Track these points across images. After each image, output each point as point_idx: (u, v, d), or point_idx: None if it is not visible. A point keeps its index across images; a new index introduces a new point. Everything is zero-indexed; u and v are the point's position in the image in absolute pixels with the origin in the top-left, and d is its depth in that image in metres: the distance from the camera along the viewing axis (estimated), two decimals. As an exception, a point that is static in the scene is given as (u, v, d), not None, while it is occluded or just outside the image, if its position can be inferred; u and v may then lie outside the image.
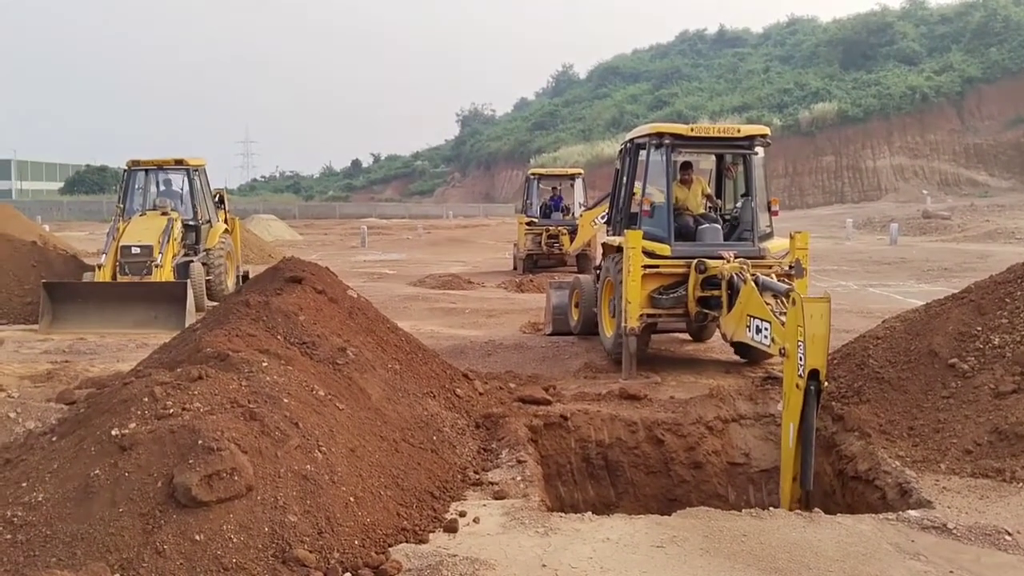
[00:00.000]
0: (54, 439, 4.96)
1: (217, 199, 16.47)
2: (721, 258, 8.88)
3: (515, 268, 23.16)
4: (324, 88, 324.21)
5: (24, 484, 4.41)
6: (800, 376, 6.00)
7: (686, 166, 10.28)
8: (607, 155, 59.43)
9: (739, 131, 9.62)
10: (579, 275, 14.29)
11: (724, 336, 8.61)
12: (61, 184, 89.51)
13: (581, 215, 20.80)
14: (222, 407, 4.71)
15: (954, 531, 5.05)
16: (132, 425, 4.48)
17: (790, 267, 8.91)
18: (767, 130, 9.80)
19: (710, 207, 10.31)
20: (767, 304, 7.08)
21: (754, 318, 7.32)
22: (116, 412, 4.66)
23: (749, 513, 5.33)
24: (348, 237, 40.23)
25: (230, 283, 15.59)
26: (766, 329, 7.00)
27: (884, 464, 6.26)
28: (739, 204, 10.12)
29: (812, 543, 4.86)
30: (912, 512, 5.38)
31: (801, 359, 5.99)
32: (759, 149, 9.66)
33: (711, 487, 7.29)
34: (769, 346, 6.94)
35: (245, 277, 15.26)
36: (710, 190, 10.47)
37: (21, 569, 3.93)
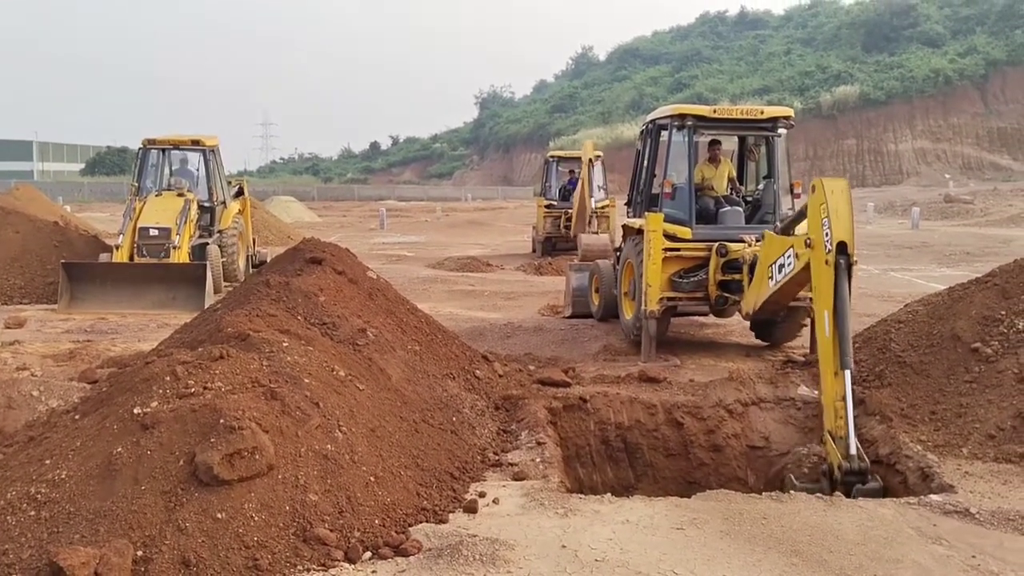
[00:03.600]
0: (77, 417, 5.00)
1: (238, 189, 16.49)
2: (742, 241, 8.82)
3: (534, 251, 23.11)
4: (343, 70, 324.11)
5: (47, 461, 4.44)
6: (828, 252, 6.11)
7: (715, 144, 10.18)
8: (626, 138, 59.16)
9: (762, 113, 9.53)
10: (598, 259, 14.24)
11: (745, 314, 8.55)
12: (82, 165, 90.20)
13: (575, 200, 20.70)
14: (243, 386, 4.72)
15: (976, 516, 5.01)
16: (154, 404, 4.50)
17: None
18: (790, 112, 9.69)
19: (732, 190, 10.23)
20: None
21: (775, 262, 7.40)
22: (138, 391, 4.68)
23: (769, 496, 5.31)
24: (367, 219, 40.29)
25: (241, 264, 15.62)
26: (789, 253, 7.10)
27: (906, 448, 6.23)
28: (761, 186, 10.04)
29: (833, 526, 4.83)
30: (934, 496, 5.35)
31: (827, 235, 6.10)
32: (782, 131, 9.56)
33: (730, 470, 7.26)
34: (795, 265, 6.96)
35: (262, 263, 15.32)
36: (734, 172, 10.38)
37: (45, 545, 3.96)
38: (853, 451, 5.67)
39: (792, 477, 6.01)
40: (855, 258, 6.23)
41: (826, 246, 6.20)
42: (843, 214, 6.20)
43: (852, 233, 6.19)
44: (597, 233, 20.23)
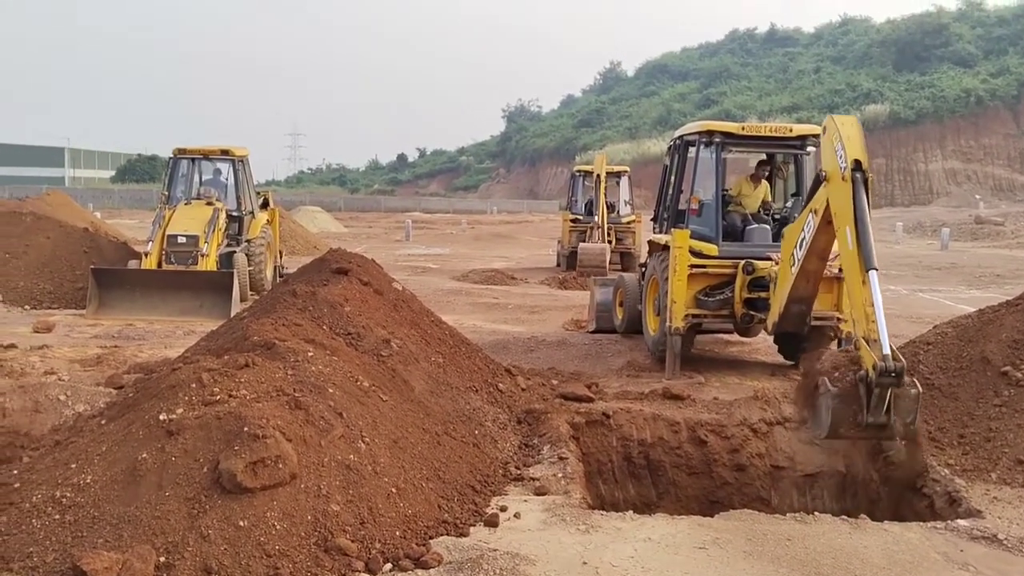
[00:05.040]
0: (103, 422, 5.04)
1: (263, 201, 16.64)
2: (769, 259, 8.76)
3: (558, 264, 23.10)
4: (372, 82, 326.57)
5: (73, 465, 4.49)
6: (844, 170, 6.28)
7: (763, 164, 10.15)
8: (653, 153, 59.01)
9: (791, 130, 9.48)
10: (623, 273, 14.21)
11: (770, 326, 8.50)
12: (113, 172, 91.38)
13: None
14: (268, 395, 4.74)
15: (1005, 542, 4.94)
16: (179, 410, 4.54)
17: (840, 270, 8.74)
18: (820, 130, 9.62)
19: (762, 209, 10.17)
20: None
21: (796, 243, 7.53)
22: (164, 397, 4.72)
23: (794, 517, 5.25)
24: (392, 230, 40.47)
25: (269, 274, 15.75)
26: (808, 219, 7.25)
27: (933, 472, 6.14)
28: (789, 204, 9.98)
29: (858, 549, 4.77)
30: (961, 521, 5.28)
31: (841, 156, 6.25)
32: (811, 149, 9.51)
33: (754, 490, 7.18)
34: (815, 222, 7.06)
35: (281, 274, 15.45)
36: (771, 196, 10.31)
37: (69, 549, 4.00)
38: (887, 351, 5.54)
39: (827, 381, 5.85)
40: (870, 174, 6.36)
41: (841, 166, 6.38)
42: (855, 139, 6.45)
43: (865, 154, 6.37)
44: (598, 242, 20.23)
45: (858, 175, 6.26)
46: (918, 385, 5.62)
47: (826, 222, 6.90)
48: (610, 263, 22.15)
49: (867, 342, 5.70)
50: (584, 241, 21.30)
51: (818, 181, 7.13)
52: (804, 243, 7.39)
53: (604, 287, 12.13)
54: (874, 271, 5.93)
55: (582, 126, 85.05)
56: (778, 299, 8.16)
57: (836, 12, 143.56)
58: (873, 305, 5.78)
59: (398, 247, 30.28)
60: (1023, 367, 6.71)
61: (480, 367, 7.59)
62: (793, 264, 7.68)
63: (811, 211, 7.22)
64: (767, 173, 10.22)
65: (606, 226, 21.07)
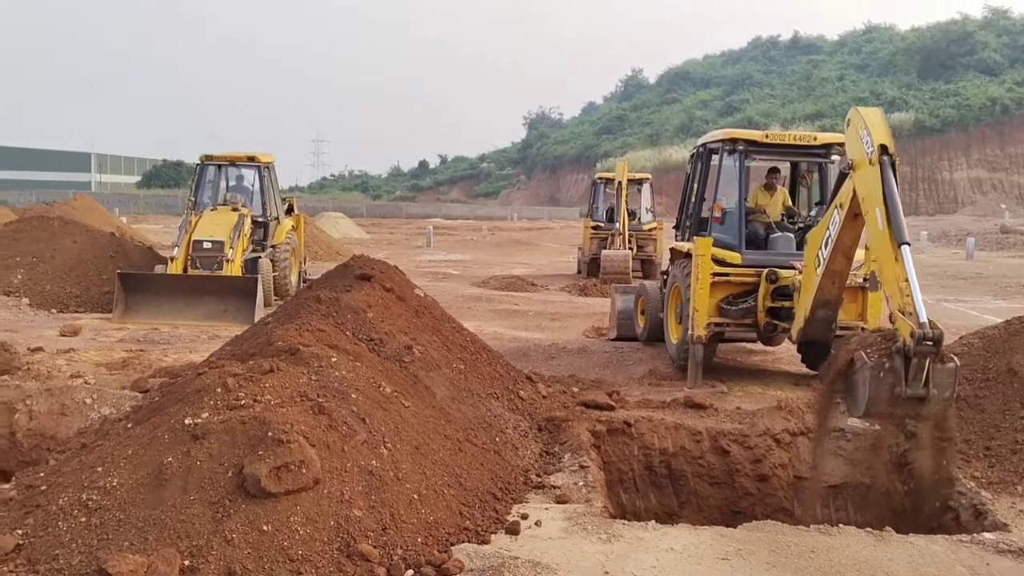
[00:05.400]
0: (129, 426, 5.09)
1: (287, 207, 16.76)
2: (793, 268, 8.71)
3: (579, 271, 23.08)
4: (394, 89, 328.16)
5: (99, 469, 4.52)
6: (871, 154, 6.36)
7: (773, 171, 10.11)
8: (675, 161, 58.93)
9: (815, 139, 9.44)
10: (644, 281, 14.17)
11: (795, 333, 8.40)
12: (138, 178, 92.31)
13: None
14: (292, 400, 4.77)
15: (1031, 556, 4.87)
16: (205, 415, 4.57)
17: (864, 279, 8.67)
18: (844, 139, 9.56)
19: (785, 215, 10.12)
20: None
21: (821, 244, 7.53)
22: (190, 401, 4.75)
23: (818, 529, 5.20)
24: (414, 236, 40.60)
25: (293, 280, 15.85)
26: (834, 216, 7.27)
27: (959, 484, 6.07)
28: (813, 212, 9.92)
29: (883, 562, 4.72)
30: (987, 535, 5.22)
31: (868, 142, 6.41)
32: (835, 157, 9.44)
33: (776, 501, 7.13)
34: (840, 216, 7.08)
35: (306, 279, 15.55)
36: (790, 202, 10.28)
37: (94, 551, 4.03)
38: (924, 320, 5.47)
39: (864, 354, 5.78)
40: (897, 159, 6.39)
41: (868, 151, 6.42)
42: (880, 125, 6.49)
43: (891, 139, 6.41)
44: (620, 249, 20.21)
45: (885, 158, 6.30)
46: (956, 360, 5.55)
47: (852, 215, 6.91)
48: (632, 270, 22.14)
49: (902, 314, 5.65)
50: (605, 248, 21.26)
51: (842, 178, 7.17)
52: (830, 241, 7.36)
53: (625, 295, 12.10)
54: (906, 245, 5.90)
55: (603, 133, 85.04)
56: (803, 305, 8.10)
57: (860, 20, 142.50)
58: (907, 279, 5.75)
59: (419, 253, 30.37)
60: (1051, 379, 6.63)
61: (501, 374, 7.59)
62: (818, 266, 7.63)
63: (836, 207, 7.22)
64: (779, 180, 10.18)
65: (627, 233, 21.05)
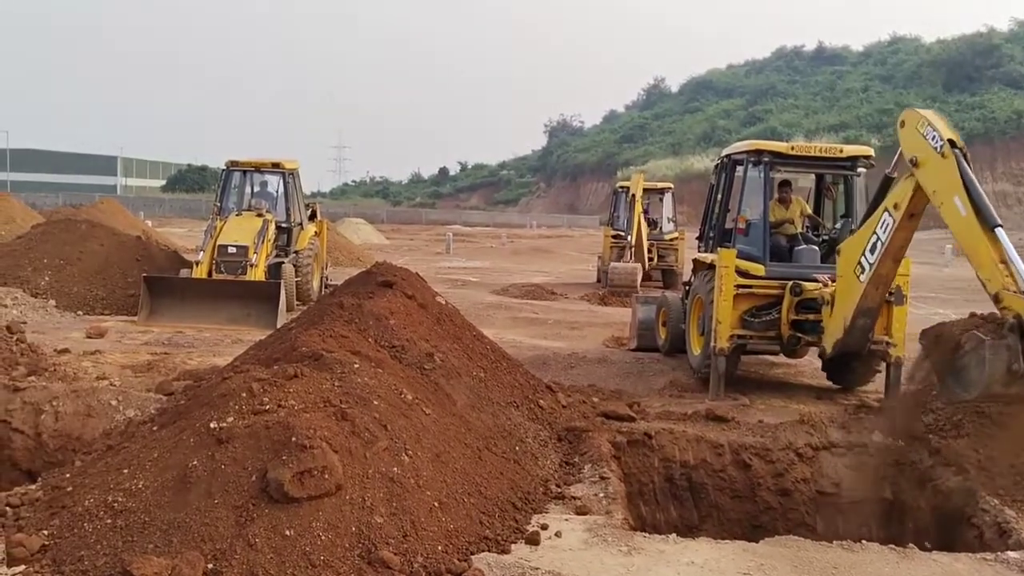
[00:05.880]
0: (155, 428, 5.14)
1: (310, 213, 16.86)
2: (816, 281, 8.66)
3: (598, 280, 23.03)
4: (415, 96, 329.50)
5: (125, 471, 4.57)
6: (941, 147, 6.50)
7: (784, 185, 10.06)
8: (696, 170, 58.74)
9: (841, 151, 9.39)
10: (666, 292, 14.12)
11: (830, 347, 8.32)
12: (163, 182, 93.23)
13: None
14: (315, 406, 4.80)
15: (1056, 577, 4.80)
16: (230, 419, 4.60)
17: (890, 294, 8.60)
18: (871, 151, 9.53)
19: (809, 226, 10.07)
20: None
21: (863, 251, 7.53)
22: (215, 405, 4.79)
23: (840, 545, 5.16)
24: (433, 243, 40.72)
25: (315, 285, 15.95)
26: (884, 219, 7.29)
27: (983, 501, 6.03)
28: (838, 225, 9.86)
29: (906, 580, 4.68)
30: (1012, 553, 5.16)
31: (934, 137, 6.56)
32: (861, 170, 9.40)
33: (798, 516, 7.09)
34: (895, 218, 7.14)
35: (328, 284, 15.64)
36: (810, 210, 10.23)
37: (119, 553, 4.07)
38: None
39: (978, 333, 5.84)
40: (967, 151, 6.55)
41: (936, 146, 6.56)
42: (942, 122, 6.68)
43: (957, 134, 6.59)
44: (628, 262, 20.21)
45: (956, 151, 6.44)
46: None
47: (908, 216, 7.03)
48: (652, 280, 22.08)
49: (1009, 292, 5.73)
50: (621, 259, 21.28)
51: (887, 182, 7.34)
52: (880, 246, 7.36)
53: (646, 305, 12.06)
54: (999, 228, 6.05)
55: (624, 141, 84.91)
56: (841, 316, 8.02)
57: (885, 31, 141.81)
58: (1006, 260, 5.89)
59: (439, 260, 30.44)
60: (1076, 396, 6.55)
61: (521, 383, 7.59)
62: (861, 273, 7.61)
63: (886, 209, 7.27)
64: (792, 192, 10.15)
65: (646, 244, 21.00)
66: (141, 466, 4.54)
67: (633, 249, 20.54)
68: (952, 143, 6.49)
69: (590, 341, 12.88)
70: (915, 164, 6.82)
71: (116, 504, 4.34)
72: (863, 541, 5.37)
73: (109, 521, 4.27)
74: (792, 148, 9.53)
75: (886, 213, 7.27)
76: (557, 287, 21.01)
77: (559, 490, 5.84)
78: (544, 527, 5.09)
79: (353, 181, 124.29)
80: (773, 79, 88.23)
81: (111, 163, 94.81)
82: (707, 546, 5.07)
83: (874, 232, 7.41)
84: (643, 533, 5.37)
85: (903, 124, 7.06)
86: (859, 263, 7.64)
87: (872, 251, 7.43)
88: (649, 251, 21.52)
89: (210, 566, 3.95)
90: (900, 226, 7.14)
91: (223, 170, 16.28)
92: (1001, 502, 5.95)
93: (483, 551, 4.66)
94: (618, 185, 25.74)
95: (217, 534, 4.08)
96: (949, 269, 29.89)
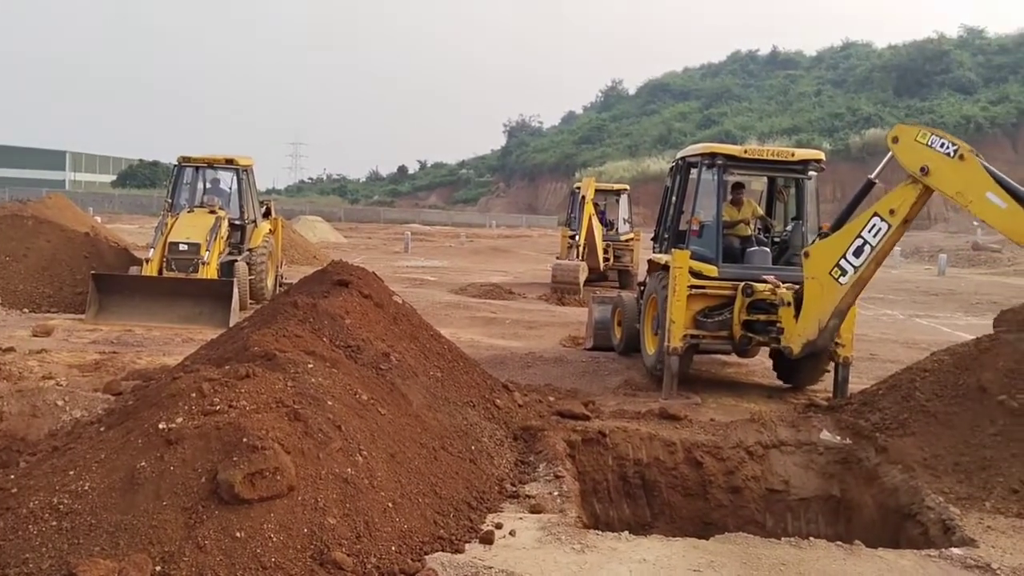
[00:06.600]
0: (102, 429, 5.04)
1: (265, 210, 16.67)
2: (766, 282, 8.80)
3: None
4: (374, 94, 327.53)
5: (71, 472, 4.48)
6: (957, 153, 6.87)
7: (737, 187, 10.21)
8: (653, 171, 59.19)
9: (793, 155, 9.54)
10: (622, 292, 14.23)
11: (798, 348, 8.40)
12: (113, 177, 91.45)
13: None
14: (268, 406, 4.75)
15: (998, 572, 4.95)
16: (179, 420, 4.54)
17: None
18: (821, 155, 9.70)
19: (761, 228, 10.22)
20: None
21: (844, 254, 7.72)
22: (164, 406, 4.73)
23: (788, 542, 5.25)
24: (391, 242, 40.51)
25: (270, 283, 15.78)
26: (872, 224, 7.54)
27: (928, 499, 6.16)
28: (789, 227, 10.02)
29: (852, 575, 4.78)
30: (955, 550, 5.28)
31: (945, 144, 6.93)
32: (812, 173, 9.56)
33: (748, 513, 7.20)
34: (888, 225, 7.42)
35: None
36: (761, 211, 10.39)
37: (65, 556, 3.99)
38: None
39: None
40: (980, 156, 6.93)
41: (948, 152, 6.92)
42: (945, 134, 7.05)
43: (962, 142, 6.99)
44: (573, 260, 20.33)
45: (971, 154, 6.82)
46: None
47: (904, 222, 7.35)
48: (608, 281, 22.20)
49: None
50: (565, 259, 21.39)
51: (868, 187, 7.75)
52: (868, 249, 7.58)
53: (602, 305, 12.15)
54: None
55: (583, 143, 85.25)
56: (814, 317, 8.14)
57: (838, 36, 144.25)
58: None
59: (397, 259, 30.30)
60: (1019, 396, 6.73)
61: (478, 382, 7.60)
62: (842, 275, 7.78)
63: (877, 214, 7.51)
64: (745, 194, 10.31)
65: (600, 245, 21.10)
66: (87, 467, 4.46)
67: (580, 249, 20.62)
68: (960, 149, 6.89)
69: (547, 340, 12.93)
70: (926, 173, 7.10)
71: (62, 506, 4.25)
72: (811, 538, 5.47)
73: (55, 523, 4.18)
74: (745, 151, 9.67)
75: (877, 218, 7.51)
76: (515, 287, 21.04)
77: (514, 489, 5.87)
78: (498, 526, 5.11)
79: (310, 178, 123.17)
80: (728, 82, 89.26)
81: (60, 158, 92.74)
82: (659, 543, 5.13)
83: (859, 236, 7.61)
84: (596, 531, 5.41)
85: (896, 140, 7.36)
86: (839, 266, 7.79)
87: (857, 254, 7.63)
88: (605, 251, 21.62)
89: (158, 568, 3.90)
90: (896, 232, 7.45)
91: (175, 166, 16.02)
92: (945, 500, 6.08)
93: (437, 551, 4.67)
94: (575, 186, 25.85)
95: (165, 536, 4.02)
96: (897, 271, 30.54)
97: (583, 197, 20.99)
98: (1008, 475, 6.17)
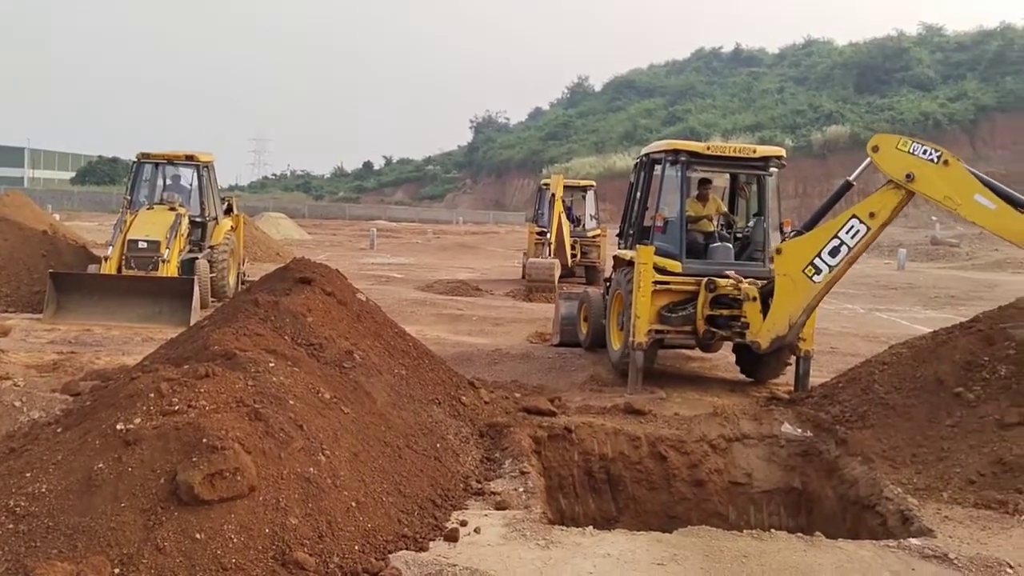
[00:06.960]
0: (59, 430, 4.96)
1: (227, 207, 16.49)
2: (728, 277, 8.88)
3: (524, 276, 23.12)
4: (338, 88, 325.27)
5: (28, 474, 4.41)
6: (941, 158, 7.20)
7: (704, 182, 10.29)
8: (619, 168, 59.41)
9: (755, 152, 9.63)
10: (588, 288, 14.28)
11: (767, 344, 8.49)
12: (73, 174, 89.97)
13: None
14: (227, 406, 4.70)
15: (955, 561, 5.02)
16: (137, 420, 4.48)
17: None
18: (783, 152, 9.80)
19: (724, 224, 10.30)
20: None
21: (819, 253, 7.89)
22: (122, 406, 4.66)
23: (750, 534, 5.31)
24: (357, 239, 40.28)
25: (231, 281, 15.61)
26: (851, 225, 7.76)
27: (886, 490, 6.24)
28: (751, 224, 10.12)
29: (812, 567, 4.84)
30: (913, 540, 5.36)
31: (927, 151, 7.22)
32: (774, 170, 9.66)
33: (712, 506, 7.27)
34: (867, 228, 7.65)
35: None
36: (724, 208, 10.48)
37: (22, 559, 3.93)
38: None
39: None
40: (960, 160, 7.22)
41: (931, 158, 7.27)
42: (922, 141, 7.33)
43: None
44: (546, 257, 20.44)
45: (954, 159, 7.11)
46: None
47: (881, 225, 7.61)
48: (575, 276, 22.28)
49: None
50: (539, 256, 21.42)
51: (846, 188, 7.96)
52: (845, 250, 7.78)
53: (569, 301, 12.18)
54: None
55: (549, 139, 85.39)
56: (784, 313, 8.24)
57: (800, 34, 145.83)
58: None
59: (362, 256, 30.15)
60: (975, 388, 6.87)
61: (443, 380, 7.59)
62: (816, 274, 7.93)
63: (855, 216, 7.71)
64: (710, 191, 10.42)
65: (568, 241, 21.19)
66: (44, 469, 4.38)
67: (551, 246, 20.70)
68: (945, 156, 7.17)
69: (514, 337, 12.94)
70: (911, 179, 7.33)
71: (18, 508, 4.18)
72: (772, 530, 5.54)
73: (11, 526, 4.11)
74: (708, 148, 9.74)
75: (856, 220, 7.70)
76: (482, 283, 21.04)
77: (479, 486, 5.87)
78: (463, 523, 5.11)
79: (273, 175, 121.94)
80: (693, 80, 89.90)
81: (18, 154, 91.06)
82: (623, 538, 5.16)
83: (836, 236, 7.78)
84: (561, 526, 5.44)
85: (876, 149, 7.60)
86: (813, 264, 7.94)
87: (833, 254, 7.81)
88: (572, 248, 21.69)
89: (117, 571, 3.85)
90: (875, 234, 7.68)
91: (134, 162, 15.79)
92: (904, 491, 6.17)
93: (401, 549, 4.65)
94: (542, 183, 25.88)
95: (124, 538, 3.97)
96: (857, 265, 30.87)
97: (552, 194, 21.03)
98: (965, 466, 6.27)
